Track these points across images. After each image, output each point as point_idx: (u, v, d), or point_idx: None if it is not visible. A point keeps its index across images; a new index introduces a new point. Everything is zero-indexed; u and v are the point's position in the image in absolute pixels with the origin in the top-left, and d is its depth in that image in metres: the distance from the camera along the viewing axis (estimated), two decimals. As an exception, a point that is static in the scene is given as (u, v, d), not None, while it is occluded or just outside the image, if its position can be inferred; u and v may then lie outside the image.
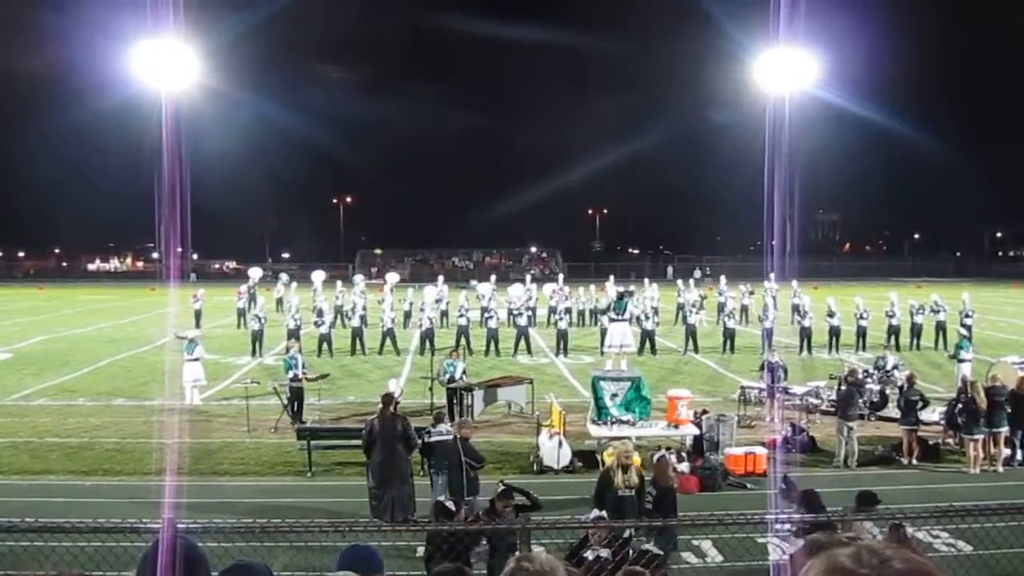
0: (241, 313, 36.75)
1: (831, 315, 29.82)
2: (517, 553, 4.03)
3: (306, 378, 19.21)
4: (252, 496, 13.68)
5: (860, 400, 16.61)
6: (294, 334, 28.89)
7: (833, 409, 17.16)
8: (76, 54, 64.54)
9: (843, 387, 16.49)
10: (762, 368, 20.27)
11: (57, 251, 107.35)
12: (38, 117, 79.01)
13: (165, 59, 30.75)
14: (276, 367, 25.98)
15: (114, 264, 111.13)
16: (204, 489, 13.88)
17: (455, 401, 19.12)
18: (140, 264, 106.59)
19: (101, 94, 53.31)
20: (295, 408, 18.82)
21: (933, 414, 17.39)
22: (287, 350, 20.99)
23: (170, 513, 4.45)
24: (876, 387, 19.70)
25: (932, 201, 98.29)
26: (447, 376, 19.40)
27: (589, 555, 8.01)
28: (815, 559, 1.52)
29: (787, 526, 8.19)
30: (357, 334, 30.01)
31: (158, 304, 47.84)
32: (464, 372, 19.95)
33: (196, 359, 21.37)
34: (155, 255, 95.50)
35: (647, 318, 29.88)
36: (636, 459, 11.80)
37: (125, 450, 16.65)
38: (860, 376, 16.70)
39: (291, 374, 19.18)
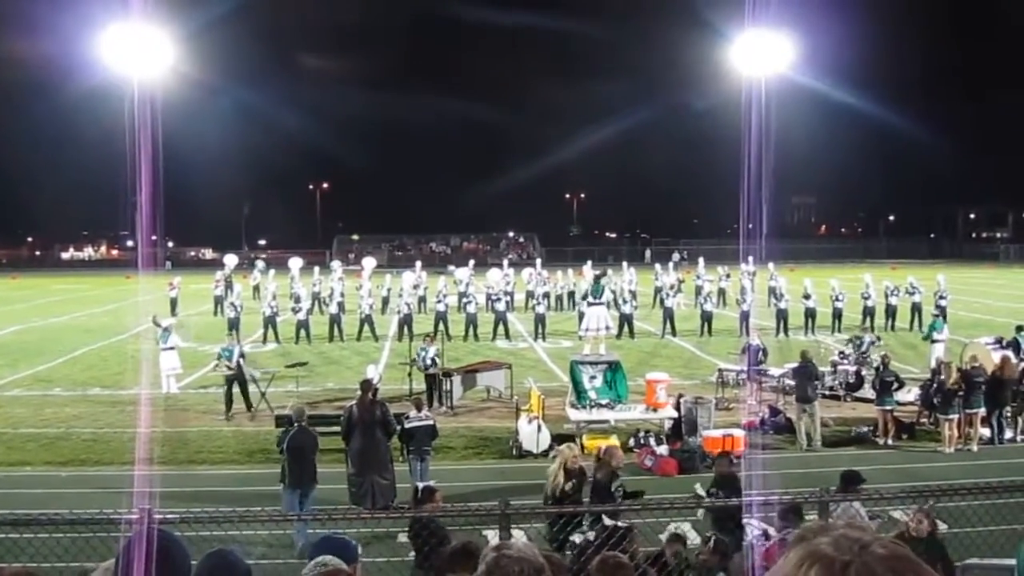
0: (218, 301, 36.55)
1: (807, 297, 30.03)
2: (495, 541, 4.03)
3: (227, 367, 18.71)
4: (231, 484, 13.62)
5: (816, 381, 16.61)
6: (270, 321, 28.84)
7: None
8: (47, 40, 63.67)
9: (798, 368, 16.56)
10: (744, 351, 20.37)
11: (30, 240, 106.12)
12: (8, 104, 78.03)
13: (138, 44, 30.44)
14: (253, 354, 25.88)
15: (88, 253, 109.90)
16: (182, 478, 13.84)
17: (434, 387, 19.09)
18: (115, 252, 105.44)
19: (73, 80, 52.76)
20: (238, 393, 18.65)
21: (909, 394, 17.56)
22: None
23: (148, 503, 4.42)
24: (852, 368, 19.85)
25: (906, 183, 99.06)
26: (422, 362, 19.29)
27: (577, 538, 8.01)
28: (795, 547, 1.51)
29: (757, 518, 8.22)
30: (335, 320, 29.92)
31: (133, 292, 47.48)
32: (436, 355, 19.49)
33: (171, 348, 21.24)
34: (130, 243, 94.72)
35: (625, 302, 29.97)
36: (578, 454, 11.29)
37: (102, 440, 16.54)
38: (811, 357, 16.77)
39: (212, 364, 19.15)
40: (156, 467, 14.19)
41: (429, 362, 19.18)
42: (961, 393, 15.48)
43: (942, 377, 15.67)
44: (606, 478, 10.40)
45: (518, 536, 8.38)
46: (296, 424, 11.94)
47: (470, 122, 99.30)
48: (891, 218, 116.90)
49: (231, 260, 46.57)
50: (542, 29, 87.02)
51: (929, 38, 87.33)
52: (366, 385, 13.19)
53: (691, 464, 14.55)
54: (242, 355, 19.39)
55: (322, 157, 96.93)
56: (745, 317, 29.47)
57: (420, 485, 10.04)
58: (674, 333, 29.96)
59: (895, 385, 16.35)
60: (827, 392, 18.93)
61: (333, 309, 30.44)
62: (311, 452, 11.76)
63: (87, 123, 62.55)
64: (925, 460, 15.09)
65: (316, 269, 41.34)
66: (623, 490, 10.41)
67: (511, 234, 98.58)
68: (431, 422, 13.30)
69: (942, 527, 10.14)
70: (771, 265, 36.50)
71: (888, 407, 16.19)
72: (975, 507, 8.12)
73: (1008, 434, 16.22)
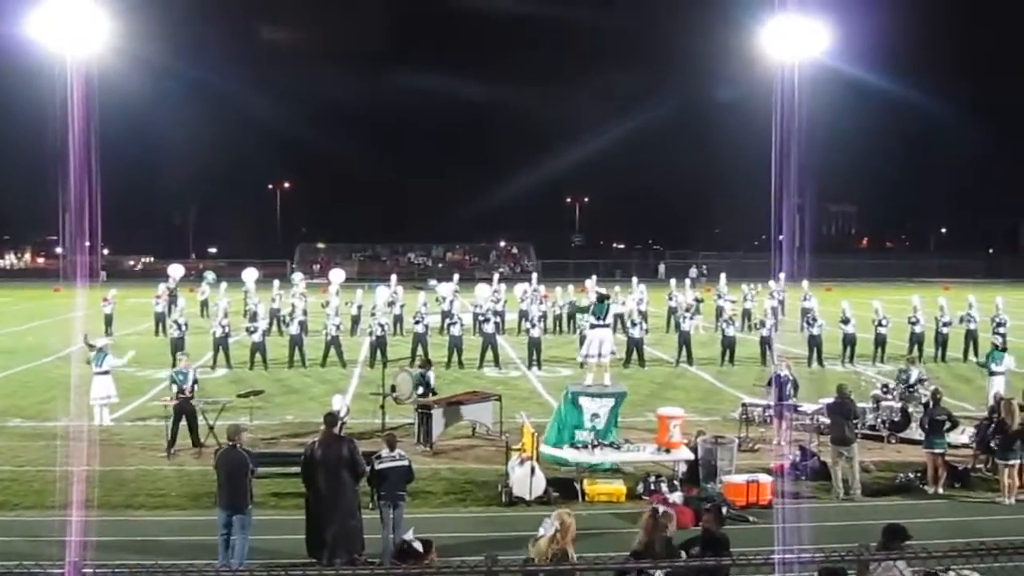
0: (159, 318, 36.47)
1: (845, 321, 30.06)
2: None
3: (185, 395, 18.85)
4: (173, 534, 13.59)
5: (854, 420, 16.66)
6: (221, 343, 28.70)
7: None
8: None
9: (833, 404, 16.55)
10: (768, 383, 20.38)
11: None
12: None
13: (70, 20, 30.40)
14: (201, 381, 25.79)
15: (10, 261, 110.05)
16: (116, 525, 13.75)
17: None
18: (41, 260, 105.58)
19: (-6, 61, 52.69)
20: (190, 429, 18.61)
21: (963, 435, 17.57)
22: (174, 364, 20.82)
23: (76, 555, 4.43)
24: (897, 404, 19.86)
25: (961, 190, 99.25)
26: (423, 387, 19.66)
27: None
28: None
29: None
30: (296, 343, 29.83)
31: (62, 307, 47.30)
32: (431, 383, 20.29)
33: (106, 372, 21.15)
34: (59, 250, 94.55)
35: (634, 325, 29.95)
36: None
37: (22, 480, 16.45)
38: (848, 391, 16.79)
39: (175, 389, 19.13)
40: (86, 512, 14.12)
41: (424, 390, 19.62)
42: None
43: (1002, 416, 15.68)
44: (662, 548, 10.11)
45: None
46: (230, 442, 12.62)
47: (457, 112, 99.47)
48: (943, 230, 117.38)
49: (176, 271, 46.49)
50: (545, 14, 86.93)
51: (991, 24, 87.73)
52: (331, 419, 13.16)
53: (709, 514, 14.52)
54: (195, 381, 19.42)
55: (283, 151, 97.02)
56: (766, 343, 29.48)
57: (412, 538, 9.91)
58: (690, 361, 29.96)
59: (947, 424, 16.33)
60: (868, 432, 18.97)
61: (294, 329, 30.38)
62: (241, 474, 12.29)
63: (9, 111, 62.57)
64: (981, 512, 15.07)
65: (275, 282, 41.32)
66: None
67: (502, 243, 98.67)
68: (406, 463, 13.25)
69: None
70: (804, 283, 36.63)
71: (939, 450, 16.16)
72: (1038, 567, 8.13)
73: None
